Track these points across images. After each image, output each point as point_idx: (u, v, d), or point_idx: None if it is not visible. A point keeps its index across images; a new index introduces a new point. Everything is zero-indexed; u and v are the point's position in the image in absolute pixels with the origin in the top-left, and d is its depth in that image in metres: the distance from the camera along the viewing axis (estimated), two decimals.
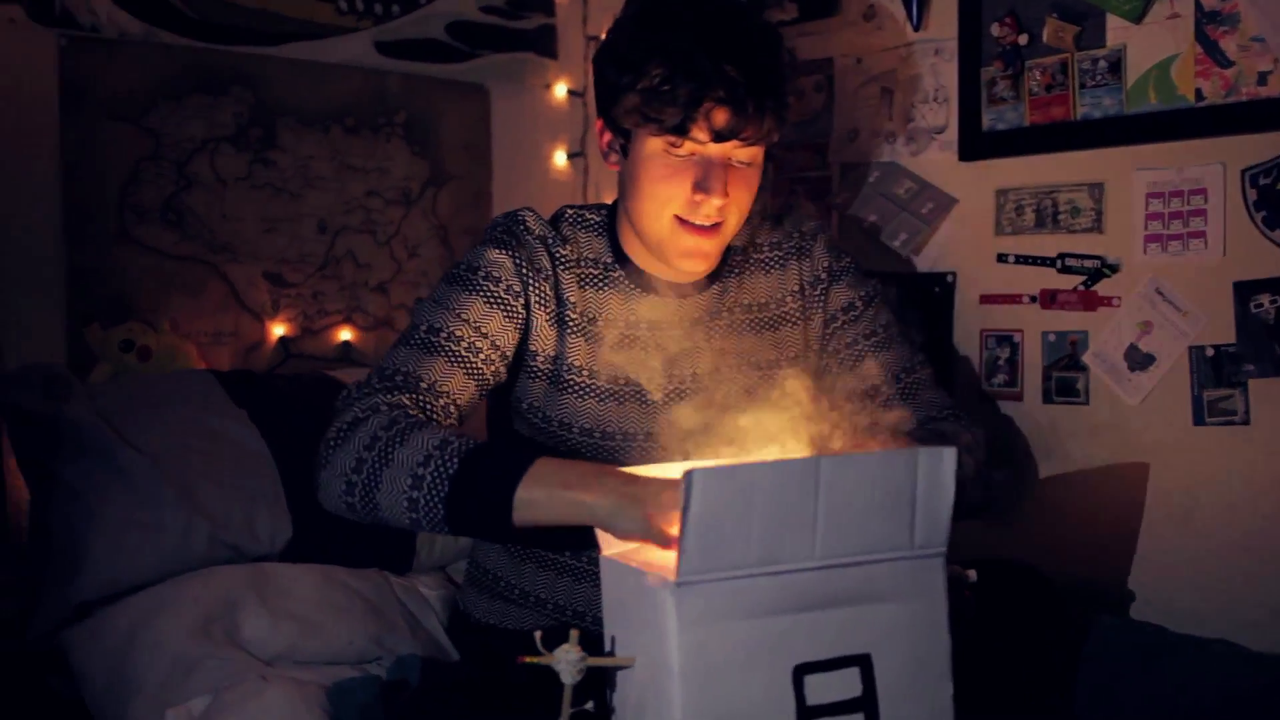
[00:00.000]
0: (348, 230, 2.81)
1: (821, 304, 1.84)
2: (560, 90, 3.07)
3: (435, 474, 1.43)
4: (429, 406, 1.58)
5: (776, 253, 1.88)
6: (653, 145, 1.64)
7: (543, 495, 1.38)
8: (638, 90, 1.60)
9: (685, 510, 1.19)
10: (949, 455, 1.28)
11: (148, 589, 1.92)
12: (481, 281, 1.68)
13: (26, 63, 2.36)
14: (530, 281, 1.69)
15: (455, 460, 1.43)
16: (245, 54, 2.64)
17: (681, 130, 1.60)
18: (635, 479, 1.36)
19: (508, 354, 1.68)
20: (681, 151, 1.63)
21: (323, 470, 1.54)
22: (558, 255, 1.73)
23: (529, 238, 1.72)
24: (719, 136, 1.61)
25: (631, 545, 1.36)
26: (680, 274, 1.76)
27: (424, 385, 1.59)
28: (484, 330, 1.65)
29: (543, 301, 1.69)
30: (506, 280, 1.68)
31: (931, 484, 1.28)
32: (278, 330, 2.70)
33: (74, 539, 1.96)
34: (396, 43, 2.88)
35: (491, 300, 1.67)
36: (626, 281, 1.77)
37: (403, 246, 2.90)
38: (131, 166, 2.50)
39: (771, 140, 1.67)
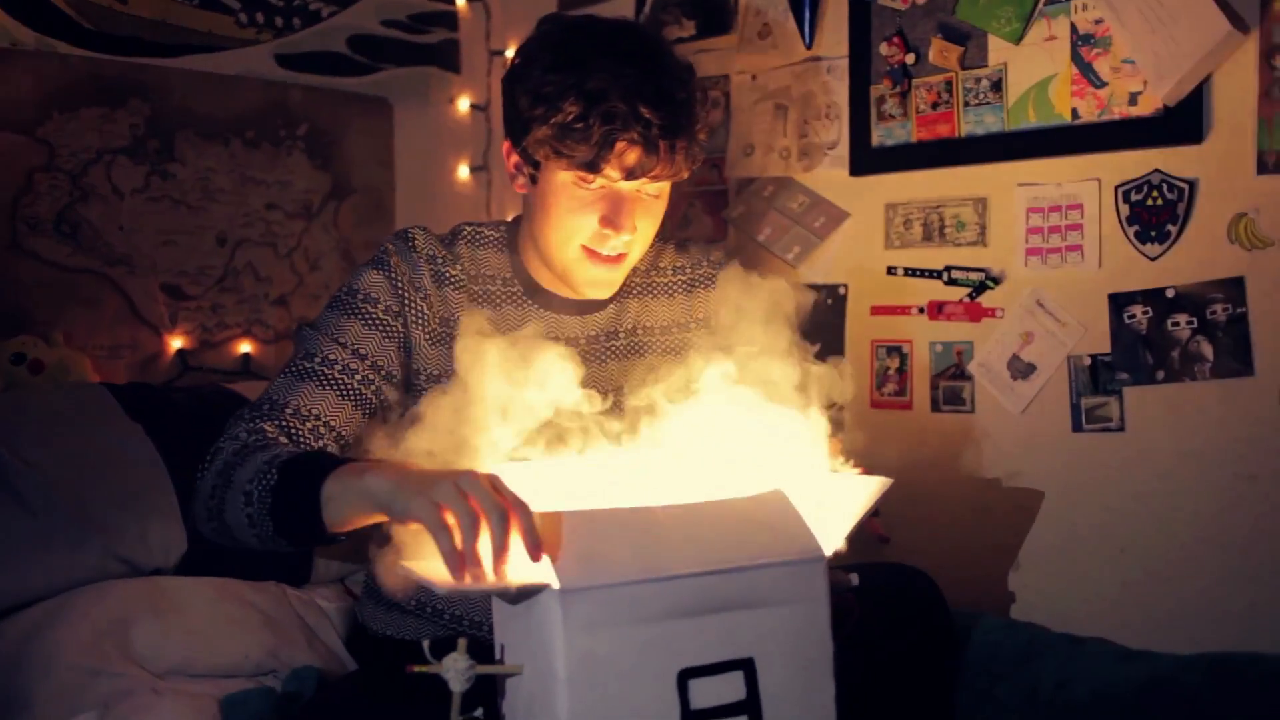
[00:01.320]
0: (248, 243, 2.80)
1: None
2: (463, 104, 3.09)
3: (261, 488, 1.45)
4: (294, 430, 1.59)
5: (680, 278, 1.91)
6: (562, 177, 1.66)
7: (339, 489, 1.38)
8: (550, 125, 1.62)
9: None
10: (779, 497, 1.34)
11: (38, 604, 1.90)
12: (360, 304, 1.69)
13: None
14: (408, 300, 1.70)
15: (275, 472, 1.44)
16: (142, 65, 2.63)
17: (593, 168, 1.62)
18: (423, 469, 1.34)
19: (393, 373, 1.69)
20: (591, 186, 1.65)
21: (193, 499, 1.59)
22: (445, 275, 1.74)
23: (415, 256, 1.73)
24: (630, 175, 1.63)
25: (427, 558, 1.33)
26: (580, 294, 1.79)
27: (289, 410, 1.61)
28: (360, 351, 1.67)
29: (421, 320, 1.71)
30: (384, 300, 1.69)
31: (781, 517, 1.34)
32: (176, 343, 2.68)
33: None
34: (297, 55, 2.88)
35: (369, 322, 1.68)
36: (524, 298, 1.79)
37: (304, 259, 2.89)
38: (24, 177, 2.47)
39: (682, 177, 1.70)
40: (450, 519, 1.23)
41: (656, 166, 1.63)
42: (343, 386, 1.65)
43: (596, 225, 1.67)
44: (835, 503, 1.42)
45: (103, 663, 1.77)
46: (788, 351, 1.53)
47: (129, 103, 2.61)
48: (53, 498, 1.99)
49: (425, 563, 1.33)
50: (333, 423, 1.63)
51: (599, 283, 1.74)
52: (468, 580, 1.24)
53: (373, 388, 1.67)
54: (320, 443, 1.61)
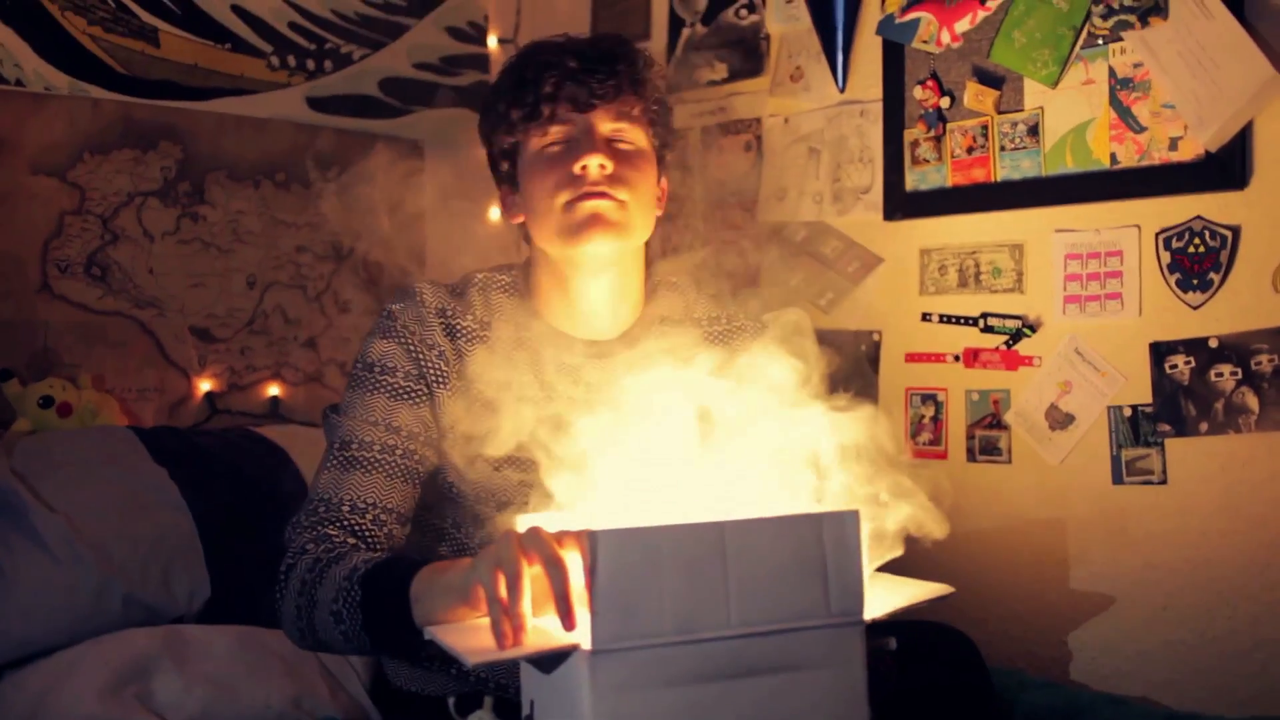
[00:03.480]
0: (277, 285, 2.80)
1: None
2: None
3: (348, 607, 1.45)
4: (355, 526, 1.59)
5: (717, 328, 1.86)
6: (531, 151, 1.69)
7: (423, 589, 1.38)
8: (505, 116, 1.68)
9: (592, 573, 1.18)
10: (851, 518, 1.28)
11: (59, 652, 1.88)
12: (379, 377, 1.67)
13: None
14: (424, 360, 1.68)
15: (358, 588, 1.44)
16: (174, 109, 2.63)
17: (540, 114, 1.65)
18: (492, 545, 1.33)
19: (431, 437, 1.67)
20: (555, 139, 1.67)
21: (279, 615, 1.59)
22: (458, 327, 1.71)
23: (424, 311, 1.70)
24: (578, 104, 1.65)
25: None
26: (594, 327, 1.75)
27: (345, 508, 1.59)
28: (393, 425, 1.64)
29: (441, 379, 1.68)
30: (401, 367, 1.67)
31: (838, 548, 1.28)
32: (204, 386, 2.67)
33: None
34: (329, 98, 2.88)
35: (393, 393, 1.66)
36: (540, 340, 1.75)
37: (333, 301, 2.89)
38: (55, 220, 2.48)
39: (638, 118, 1.70)
40: (502, 583, 1.21)
41: (603, 92, 1.65)
42: (387, 466, 1.63)
43: (570, 171, 1.66)
44: (883, 591, 1.39)
45: (123, 713, 1.75)
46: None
47: (160, 146, 2.62)
48: (76, 544, 1.98)
49: (453, 628, 1.31)
50: (389, 505, 1.62)
51: (594, 218, 1.66)
52: (505, 648, 1.20)
53: (415, 458, 1.65)
54: (384, 530, 1.60)
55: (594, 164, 1.65)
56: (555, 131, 1.67)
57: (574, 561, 1.24)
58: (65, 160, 2.49)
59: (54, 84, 2.47)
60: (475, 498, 1.67)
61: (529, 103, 1.66)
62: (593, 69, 1.66)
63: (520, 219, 1.76)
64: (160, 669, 1.84)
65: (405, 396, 1.66)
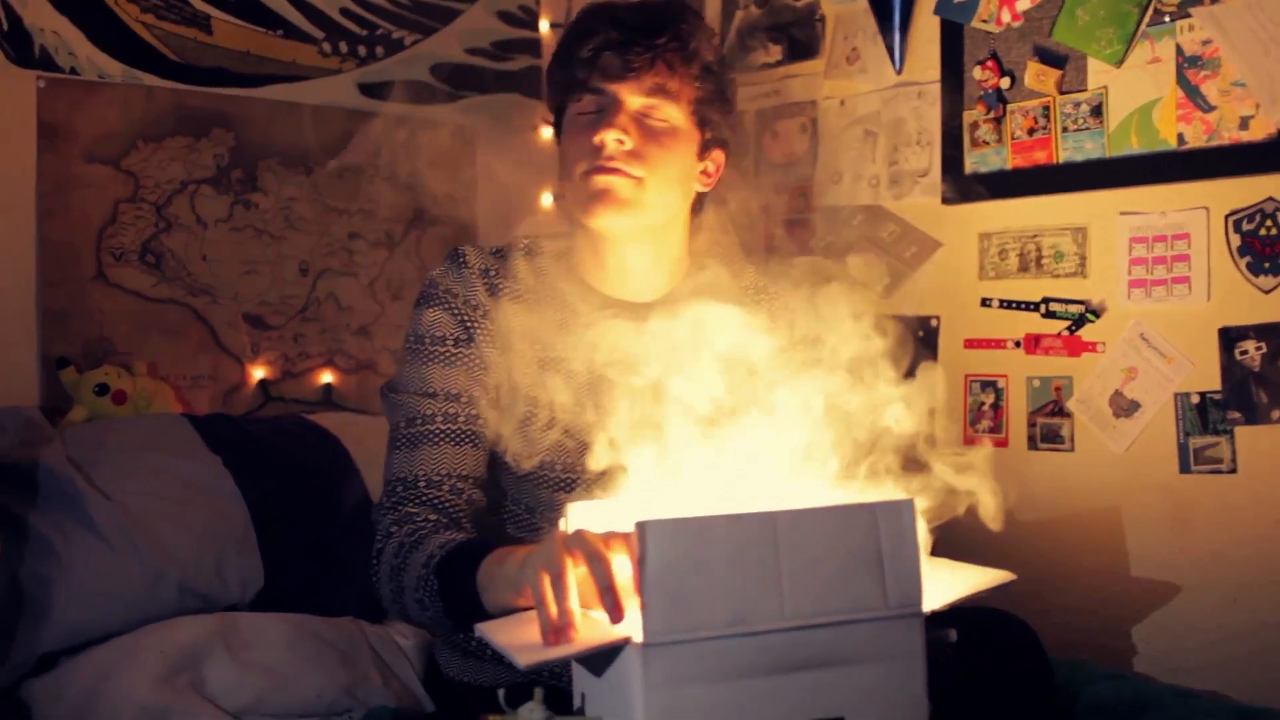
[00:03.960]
0: (330, 272, 2.79)
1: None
2: (546, 132, 3.05)
3: (429, 594, 1.48)
4: (435, 500, 1.60)
5: (761, 297, 1.83)
6: (568, 116, 1.69)
7: (487, 580, 1.40)
8: (552, 75, 1.71)
9: (642, 564, 1.16)
10: (907, 507, 1.25)
11: (112, 640, 1.89)
12: (430, 347, 1.67)
13: (4, 104, 2.36)
14: (470, 322, 1.68)
15: (434, 577, 1.47)
16: (226, 96, 2.63)
17: (579, 82, 1.65)
18: (541, 543, 1.33)
19: (491, 397, 1.67)
20: (587, 108, 1.66)
21: (379, 597, 1.63)
22: (499, 287, 1.71)
23: (467, 272, 1.70)
24: (610, 76, 1.63)
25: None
26: (631, 288, 1.73)
27: (422, 484, 1.61)
28: (452, 393, 1.65)
29: (489, 337, 1.69)
30: (450, 334, 1.68)
31: (894, 538, 1.25)
32: (258, 373, 2.67)
33: (40, 589, 1.93)
34: (380, 84, 2.87)
35: (446, 361, 1.66)
36: (579, 298, 1.73)
37: (386, 288, 2.88)
38: (110, 208, 2.48)
39: (675, 94, 1.66)
40: (547, 584, 1.21)
41: (636, 65, 1.62)
42: (454, 435, 1.64)
43: (591, 141, 1.64)
44: (943, 576, 1.36)
45: (176, 701, 1.75)
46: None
47: (212, 133, 2.62)
48: (131, 532, 1.99)
49: (506, 625, 1.30)
50: (464, 472, 1.64)
51: (602, 193, 1.65)
52: (554, 652, 1.20)
53: (479, 420, 1.66)
54: (463, 497, 1.62)
55: (611, 138, 1.63)
56: (588, 100, 1.66)
57: (622, 562, 1.22)
58: (119, 148, 2.49)
59: (108, 72, 2.47)
60: (530, 469, 1.67)
61: (569, 68, 1.66)
62: (632, 39, 1.63)
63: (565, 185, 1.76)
64: (214, 656, 1.84)
65: (458, 363, 1.67)
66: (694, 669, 1.19)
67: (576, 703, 1.32)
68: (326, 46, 2.78)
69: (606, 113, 1.64)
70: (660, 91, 1.65)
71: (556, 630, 1.20)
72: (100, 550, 1.96)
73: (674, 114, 1.67)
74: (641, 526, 1.15)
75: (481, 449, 1.67)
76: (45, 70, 2.40)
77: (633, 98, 1.65)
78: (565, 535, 1.27)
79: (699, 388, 1.66)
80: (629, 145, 1.63)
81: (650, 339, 1.73)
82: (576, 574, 1.22)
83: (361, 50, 2.84)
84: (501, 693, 1.23)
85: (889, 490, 1.44)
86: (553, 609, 1.20)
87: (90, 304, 2.45)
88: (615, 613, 1.19)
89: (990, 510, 1.42)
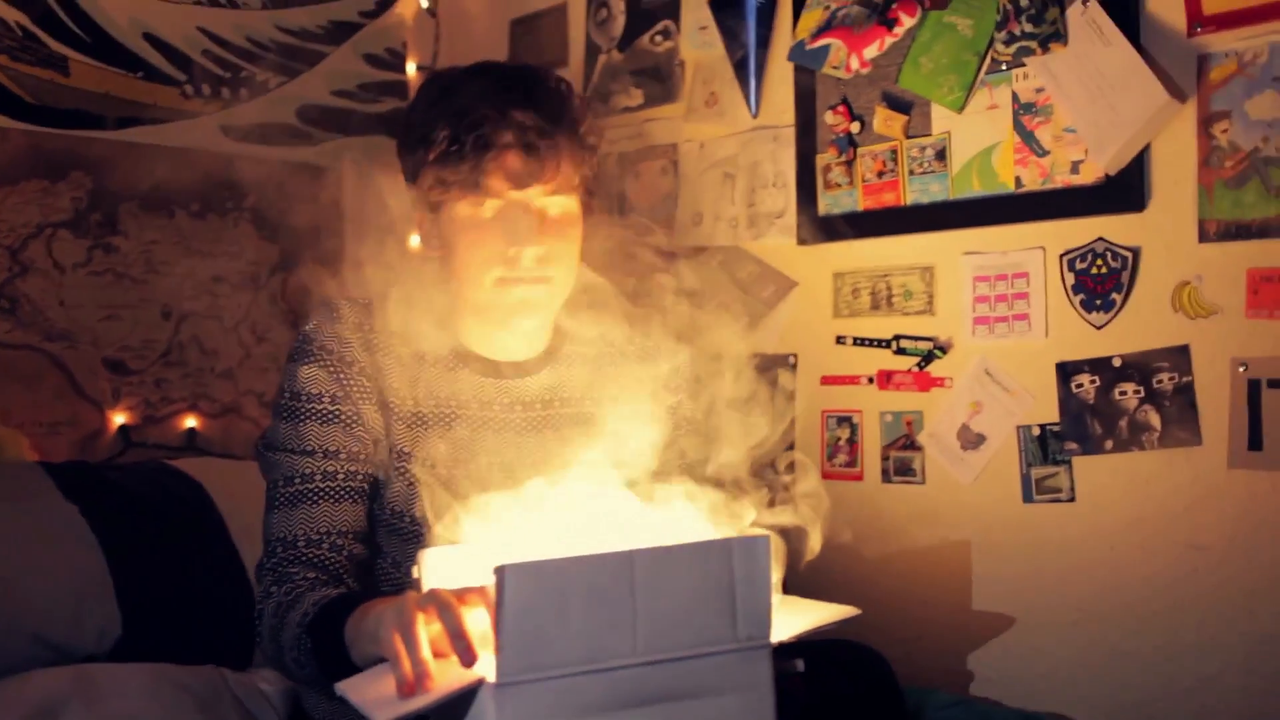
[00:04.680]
0: (193, 316, 2.77)
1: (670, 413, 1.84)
2: None
3: (304, 654, 1.48)
4: (314, 559, 1.59)
5: (631, 347, 1.85)
6: (460, 211, 1.62)
7: (353, 635, 1.40)
8: (430, 161, 1.60)
9: (500, 607, 1.18)
10: (762, 543, 1.29)
11: None
12: (306, 405, 1.65)
13: None
14: (346, 379, 1.66)
15: (307, 638, 1.47)
16: (84, 138, 2.60)
17: (476, 185, 1.59)
18: (402, 601, 1.33)
19: (369, 455, 1.67)
20: (486, 211, 1.61)
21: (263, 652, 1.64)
22: (375, 343, 1.70)
23: (342, 328, 1.69)
24: (518, 182, 1.60)
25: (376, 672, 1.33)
26: (510, 349, 1.75)
27: (301, 544, 1.60)
28: (329, 450, 1.64)
29: (365, 394, 1.67)
30: (327, 391, 1.65)
31: (748, 573, 1.29)
32: (118, 419, 2.64)
33: None
34: (244, 127, 2.86)
35: (322, 419, 1.65)
36: (456, 361, 1.74)
37: (250, 332, 2.86)
38: None
39: (574, 186, 1.66)
40: (399, 640, 1.22)
41: (542, 171, 1.60)
42: (332, 493, 1.63)
43: (503, 248, 1.62)
44: (791, 611, 1.40)
45: None
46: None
47: (70, 176, 2.59)
48: None
49: (365, 681, 1.30)
50: (343, 529, 1.62)
51: (522, 306, 1.67)
52: (410, 704, 1.20)
53: (359, 478, 1.65)
54: (344, 554, 1.61)
55: (530, 255, 1.62)
56: (489, 204, 1.61)
57: (478, 615, 1.24)
58: None
59: None
60: (391, 511, 1.67)
61: (461, 168, 1.58)
62: (533, 143, 1.58)
63: (439, 253, 1.72)
64: (69, 710, 1.80)
65: (335, 420, 1.65)
66: (546, 707, 1.21)
67: None
68: (189, 89, 2.76)
69: (519, 226, 1.60)
70: (564, 188, 1.64)
71: (411, 683, 1.21)
72: None
73: (570, 201, 1.67)
74: (500, 571, 1.17)
75: (360, 504, 1.65)
76: None
77: (538, 199, 1.62)
78: (416, 594, 1.28)
79: (565, 445, 1.70)
80: (542, 253, 1.63)
81: (522, 398, 1.76)
82: (430, 629, 1.23)
83: (225, 92, 2.83)
84: None
85: (736, 517, 1.49)
86: (406, 664, 1.21)
87: None
88: (466, 655, 1.20)
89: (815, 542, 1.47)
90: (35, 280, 2.53)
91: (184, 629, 2.13)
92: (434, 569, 1.35)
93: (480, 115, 1.57)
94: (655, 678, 1.26)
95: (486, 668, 1.20)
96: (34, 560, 2.03)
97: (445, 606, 1.23)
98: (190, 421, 2.75)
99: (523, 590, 1.18)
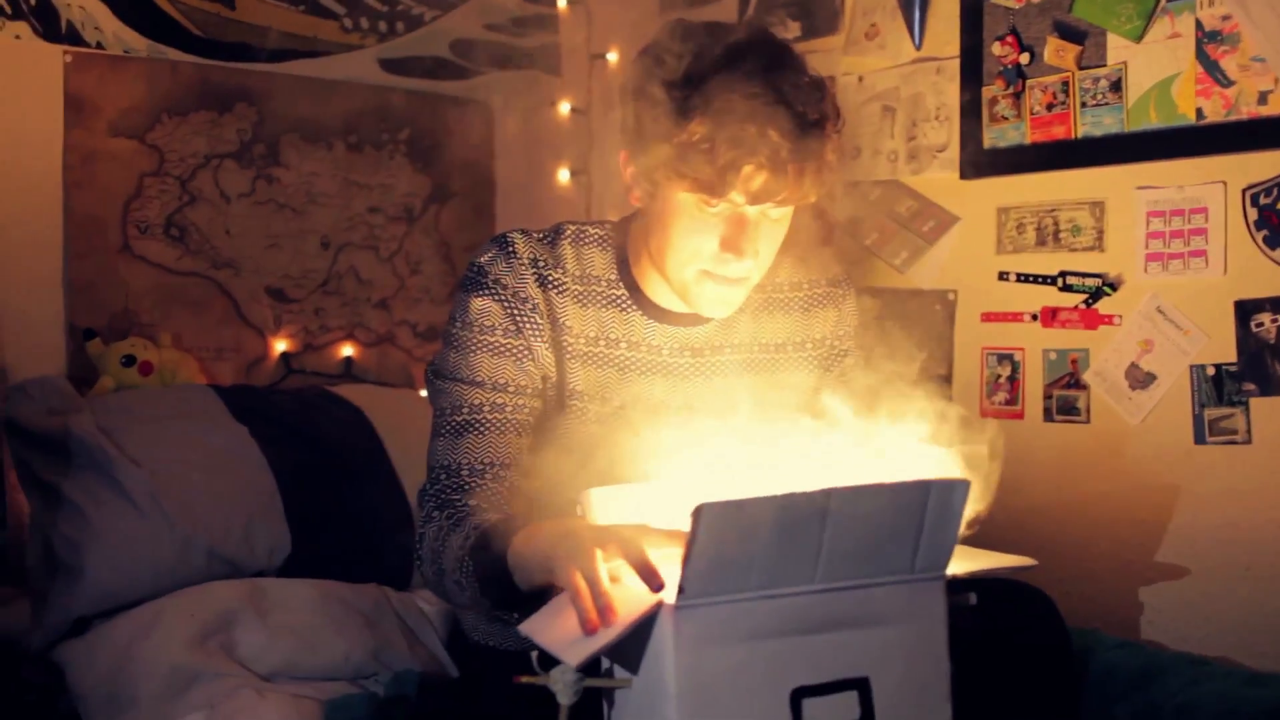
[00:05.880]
0: (350, 246, 2.82)
1: (837, 363, 1.82)
2: (564, 108, 3.07)
3: (466, 577, 1.48)
4: (477, 487, 1.60)
5: (797, 294, 1.84)
6: (683, 198, 1.57)
7: (517, 561, 1.40)
8: (673, 144, 1.53)
9: (691, 543, 1.18)
10: (961, 488, 1.27)
11: (144, 604, 1.92)
12: (478, 336, 1.66)
13: (31, 78, 2.38)
14: (519, 315, 1.67)
15: (470, 560, 1.47)
16: (250, 71, 2.65)
17: (716, 191, 1.53)
18: (575, 531, 1.33)
19: (537, 387, 1.68)
20: (713, 209, 1.57)
21: (426, 582, 1.66)
22: (549, 279, 1.69)
23: (516, 262, 1.69)
24: (756, 199, 1.54)
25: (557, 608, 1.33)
26: (698, 312, 1.74)
27: (464, 473, 1.61)
28: (499, 383, 1.65)
29: (537, 330, 1.67)
30: (499, 324, 1.66)
31: (940, 513, 1.27)
32: (280, 346, 2.70)
33: (73, 554, 1.96)
34: (400, 60, 2.89)
35: (494, 351, 1.66)
36: (629, 302, 1.74)
37: (405, 263, 2.90)
38: (135, 182, 2.51)
39: (809, 200, 1.60)
40: (581, 580, 1.23)
41: (783, 191, 1.53)
42: (498, 425, 1.64)
43: (717, 249, 1.59)
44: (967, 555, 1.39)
45: (208, 663, 1.78)
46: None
47: (236, 108, 2.64)
48: (159, 498, 2.02)
49: (548, 622, 1.31)
50: (506, 460, 1.63)
51: (719, 303, 1.66)
52: (598, 641, 1.21)
53: (525, 411, 1.66)
54: (505, 484, 1.61)
55: (742, 266, 1.59)
56: (719, 204, 1.56)
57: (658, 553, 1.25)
58: (144, 122, 2.52)
59: (133, 46, 2.50)
60: (557, 449, 1.68)
61: (704, 170, 1.51)
62: (783, 165, 1.50)
63: (638, 203, 1.68)
64: (243, 621, 1.88)
65: (506, 353, 1.66)
66: (723, 629, 1.22)
67: (605, 666, 1.34)
68: (348, 22, 2.80)
69: (741, 235, 1.56)
70: (798, 203, 1.59)
71: (595, 621, 1.21)
72: (131, 516, 2.00)
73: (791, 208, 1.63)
74: (697, 510, 1.17)
75: (525, 437, 1.66)
76: (72, 45, 2.42)
77: (770, 210, 1.58)
78: (589, 525, 1.29)
79: (731, 392, 1.69)
80: (752, 261, 1.60)
81: (691, 344, 1.76)
82: (609, 565, 1.24)
83: (382, 26, 2.86)
84: (535, 655, 1.25)
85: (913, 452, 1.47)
86: (589, 601, 1.22)
87: (115, 276, 2.48)
88: (654, 581, 1.20)
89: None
90: (203, 209, 2.60)
91: (348, 549, 2.19)
92: (600, 507, 1.36)
93: (740, 129, 1.50)
94: (829, 604, 1.26)
95: (667, 592, 1.21)
96: (209, 478, 2.10)
97: (626, 541, 1.24)
98: (347, 350, 2.81)
99: (716, 528, 1.18)
